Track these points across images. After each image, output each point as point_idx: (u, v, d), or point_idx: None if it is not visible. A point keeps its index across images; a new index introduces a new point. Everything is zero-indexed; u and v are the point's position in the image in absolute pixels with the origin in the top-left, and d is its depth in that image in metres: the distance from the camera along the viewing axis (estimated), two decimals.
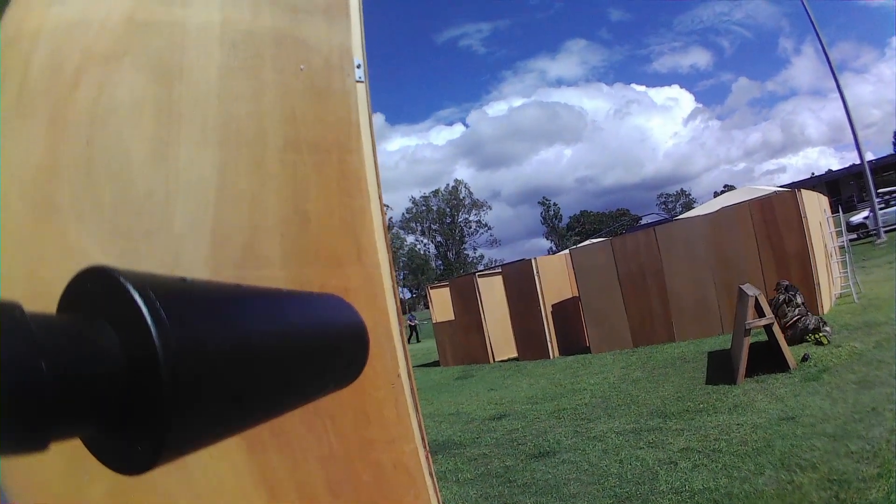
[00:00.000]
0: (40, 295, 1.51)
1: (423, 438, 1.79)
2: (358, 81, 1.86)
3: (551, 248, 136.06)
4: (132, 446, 0.55)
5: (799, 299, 14.28)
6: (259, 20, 1.78)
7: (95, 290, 0.56)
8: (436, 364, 28.21)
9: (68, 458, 1.47)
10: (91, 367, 0.52)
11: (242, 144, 1.57)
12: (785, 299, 14.16)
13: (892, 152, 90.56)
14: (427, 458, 1.82)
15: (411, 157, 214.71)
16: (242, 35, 1.72)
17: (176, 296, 0.58)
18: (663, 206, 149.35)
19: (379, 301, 1.61)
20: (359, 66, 1.88)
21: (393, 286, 1.71)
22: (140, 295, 0.54)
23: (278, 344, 0.69)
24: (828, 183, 78.71)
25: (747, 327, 11.45)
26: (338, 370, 0.82)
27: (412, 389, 1.80)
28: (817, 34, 41.70)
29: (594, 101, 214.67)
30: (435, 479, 1.89)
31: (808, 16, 41.29)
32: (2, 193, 1.69)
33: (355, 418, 1.61)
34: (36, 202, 1.69)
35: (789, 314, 13.83)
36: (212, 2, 1.79)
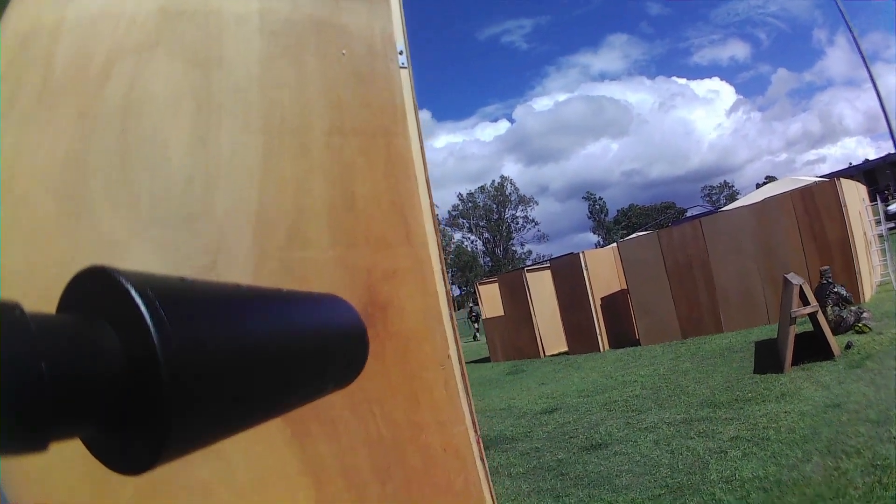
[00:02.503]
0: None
1: (473, 422, 1.77)
2: (401, 67, 1.83)
3: (598, 242, 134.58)
4: (132, 446, 0.55)
5: (841, 291, 14.20)
6: (298, 8, 1.75)
7: (95, 290, 0.56)
8: (486, 360, 28.17)
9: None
10: (91, 367, 0.53)
11: (286, 131, 1.55)
12: (827, 294, 14.06)
13: None
14: (478, 442, 1.78)
15: (458, 153, 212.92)
16: (282, 23, 1.70)
17: (176, 296, 0.58)
18: (707, 198, 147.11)
19: (428, 283, 1.59)
20: (401, 53, 1.86)
21: (442, 269, 1.69)
22: (140, 295, 0.54)
23: (278, 344, 0.69)
24: (865, 172, 76.94)
25: (792, 315, 11.35)
26: (337, 370, 0.82)
27: (462, 372, 1.78)
28: (848, 25, 41.01)
29: (637, 95, 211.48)
30: (486, 464, 1.87)
31: (839, 7, 40.63)
32: (22, 189, 1.66)
33: (405, 402, 1.57)
34: (65, 195, 1.65)
35: (830, 309, 13.75)
36: None
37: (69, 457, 1.42)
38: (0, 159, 1.66)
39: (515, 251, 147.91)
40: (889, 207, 41.58)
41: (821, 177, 37.94)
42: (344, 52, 1.72)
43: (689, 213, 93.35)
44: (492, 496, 1.79)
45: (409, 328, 1.47)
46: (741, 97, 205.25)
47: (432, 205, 1.63)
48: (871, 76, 41.10)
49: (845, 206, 17.12)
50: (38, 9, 1.80)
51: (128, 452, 0.56)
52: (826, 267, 14.92)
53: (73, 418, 0.52)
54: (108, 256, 1.59)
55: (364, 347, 0.86)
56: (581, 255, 23.43)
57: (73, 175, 1.66)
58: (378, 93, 1.74)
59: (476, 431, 1.77)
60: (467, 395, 1.74)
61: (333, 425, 1.49)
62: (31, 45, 1.77)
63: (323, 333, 0.80)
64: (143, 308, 0.53)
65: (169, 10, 1.76)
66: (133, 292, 0.54)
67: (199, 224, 1.52)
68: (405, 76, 1.81)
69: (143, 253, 1.57)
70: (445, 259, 1.66)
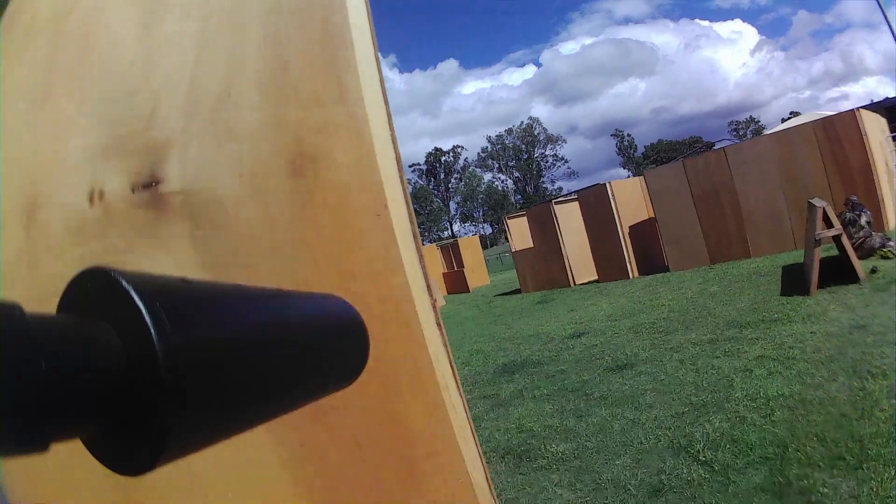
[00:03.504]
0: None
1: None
2: None
3: (628, 176, 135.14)
4: (132, 447, 0.54)
5: (864, 219, 14.11)
6: None
7: (96, 290, 0.54)
8: (517, 292, 28.41)
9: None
10: (91, 367, 0.51)
11: (224, 13, 1.51)
12: (850, 219, 14.00)
13: None
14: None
15: (486, 98, 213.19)
16: None
17: (176, 296, 0.57)
18: (735, 132, 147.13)
19: (364, 136, 1.46)
20: None
21: (389, 125, 1.52)
22: (140, 296, 0.53)
23: (278, 344, 0.68)
24: (887, 108, 76.44)
25: (817, 238, 11.30)
26: (338, 370, 0.80)
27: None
28: None
29: (662, 37, 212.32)
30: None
31: None
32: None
33: (338, 249, 1.44)
34: (38, 115, 1.67)
35: (854, 235, 13.66)
36: None
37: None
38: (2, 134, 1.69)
39: (546, 188, 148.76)
40: None
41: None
42: None
43: (717, 147, 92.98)
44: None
45: (342, 179, 1.43)
46: (764, 37, 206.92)
47: (379, 66, 1.56)
48: (886, 18, 40.73)
49: (866, 135, 17.14)
50: None
51: (128, 453, 0.54)
52: (854, 197, 14.82)
53: (74, 419, 0.51)
54: (63, 137, 1.62)
55: (364, 347, 0.84)
56: (608, 185, 23.43)
57: (40, 91, 1.68)
58: None
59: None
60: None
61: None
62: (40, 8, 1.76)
63: (323, 333, 0.79)
64: (143, 308, 0.52)
65: None
66: (133, 293, 0.53)
67: (137, 97, 1.51)
68: None
69: (89, 126, 1.57)
70: (390, 115, 1.55)
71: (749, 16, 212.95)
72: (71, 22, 1.68)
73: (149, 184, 1.45)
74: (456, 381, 1.48)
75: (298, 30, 1.50)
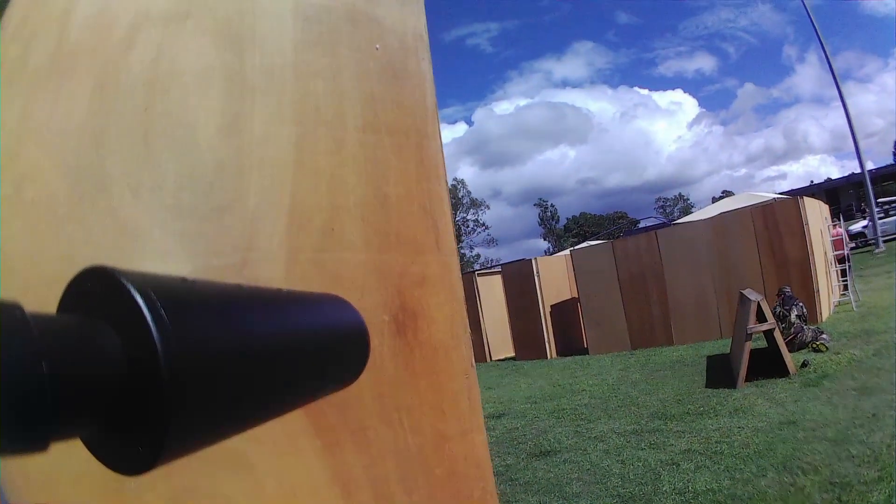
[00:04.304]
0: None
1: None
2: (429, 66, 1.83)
3: (548, 248, 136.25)
4: (132, 446, 0.55)
5: (794, 314, 14.34)
6: None
7: (96, 290, 0.56)
8: None
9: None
10: (91, 367, 0.53)
11: (321, 123, 1.53)
12: (780, 314, 14.23)
13: (893, 162, 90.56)
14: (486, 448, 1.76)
15: None
16: (316, 9, 1.66)
17: (177, 296, 0.59)
18: (661, 211, 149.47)
19: (456, 290, 1.59)
20: (427, 51, 1.84)
21: (460, 277, 1.68)
22: (141, 295, 0.54)
23: (279, 344, 0.70)
24: (827, 191, 78.77)
25: (749, 332, 11.50)
26: (338, 370, 0.83)
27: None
28: (821, 42, 41.89)
29: (599, 104, 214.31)
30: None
31: (812, 24, 41.48)
32: (27, 168, 1.63)
33: (431, 411, 1.57)
34: (79, 177, 1.58)
35: (784, 332, 13.89)
36: None
37: (69, 457, 1.36)
38: (1, 132, 1.63)
39: (465, 254, 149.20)
40: (850, 228, 42.36)
41: (780, 193, 38.73)
42: (377, 46, 1.70)
43: (641, 225, 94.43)
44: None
45: (438, 337, 1.47)
46: (704, 110, 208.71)
47: (452, 212, 1.63)
48: (840, 93, 42.01)
49: (807, 225, 17.39)
50: None
51: (128, 452, 0.56)
52: (787, 287, 15.10)
53: (74, 418, 0.53)
54: (127, 249, 1.52)
55: (365, 347, 0.87)
56: (533, 261, 23.63)
57: (88, 154, 1.58)
58: (411, 91, 1.72)
59: (486, 439, 1.75)
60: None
61: (364, 434, 1.47)
62: (46, 2, 1.71)
63: (324, 333, 0.81)
64: (144, 308, 0.54)
65: None
66: (134, 292, 0.54)
67: (230, 217, 1.47)
68: (431, 76, 1.80)
69: (165, 246, 1.49)
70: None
71: (692, 86, 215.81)
72: (132, 60, 1.60)
73: None
74: None
75: (395, 154, 1.54)
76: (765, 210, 18.58)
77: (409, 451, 1.55)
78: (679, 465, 8.14)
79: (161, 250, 1.49)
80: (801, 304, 14.65)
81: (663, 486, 7.45)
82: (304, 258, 1.43)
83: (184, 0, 1.63)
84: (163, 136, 1.53)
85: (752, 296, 12.13)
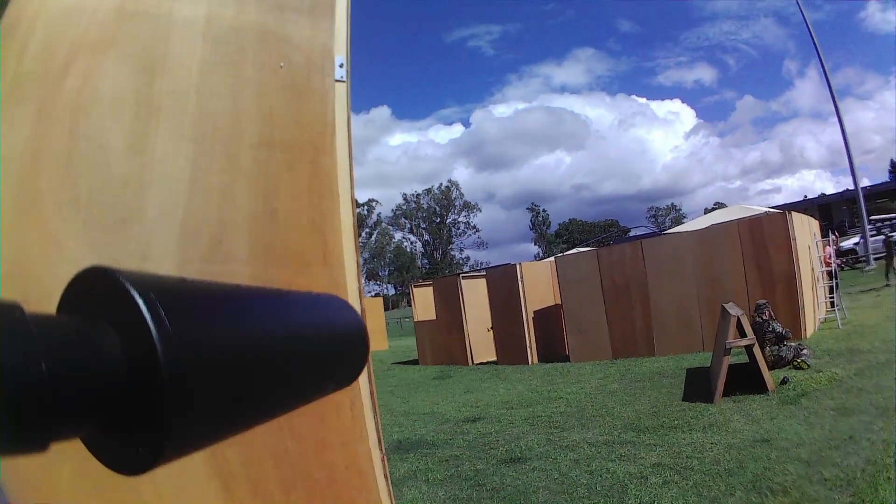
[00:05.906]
0: (40, 295, 1.54)
1: (379, 441, 1.80)
2: (338, 81, 1.86)
3: (538, 253, 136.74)
4: (132, 447, 0.55)
5: (777, 327, 14.29)
6: (244, 15, 1.79)
7: (96, 290, 0.56)
8: (415, 362, 28.36)
9: (68, 458, 1.47)
10: (91, 367, 0.53)
11: (217, 140, 1.59)
12: (757, 326, 14.14)
13: (888, 179, 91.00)
14: (383, 460, 1.82)
15: (412, 153, 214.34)
16: (226, 30, 1.73)
17: (176, 296, 0.58)
18: (653, 220, 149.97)
19: None
20: (341, 66, 1.88)
21: (359, 290, 1.73)
22: (140, 295, 0.54)
23: (278, 344, 0.70)
24: (820, 206, 79.14)
25: (728, 347, 11.51)
26: (337, 370, 0.82)
27: (371, 392, 1.82)
28: (820, 58, 41.97)
29: (597, 110, 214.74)
30: (389, 482, 1.88)
31: (812, 38, 41.57)
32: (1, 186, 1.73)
33: (311, 420, 1.64)
34: (22, 193, 1.70)
35: (766, 351, 13.84)
36: None
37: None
38: None
39: (454, 256, 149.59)
40: (841, 244, 42.42)
41: (773, 207, 38.64)
42: (282, 63, 1.76)
43: (632, 233, 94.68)
44: None
45: None
46: (702, 121, 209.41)
47: (354, 224, 1.68)
48: (837, 109, 42.11)
49: (794, 240, 17.33)
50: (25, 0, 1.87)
51: (128, 453, 0.56)
52: (763, 301, 15.00)
53: (74, 418, 0.52)
54: (52, 256, 1.64)
55: (364, 347, 0.87)
56: (518, 266, 23.58)
57: (26, 172, 1.72)
58: (311, 107, 1.78)
59: (381, 450, 1.82)
60: (375, 414, 1.81)
61: (244, 436, 1.44)
62: (13, 34, 1.81)
63: (323, 333, 0.81)
64: (143, 308, 0.54)
65: (125, 9, 1.80)
66: (134, 292, 0.54)
67: (130, 228, 1.57)
68: (341, 90, 1.84)
69: (78, 254, 1.62)
70: (362, 277, 1.75)
71: (690, 96, 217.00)
72: (66, 87, 1.74)
73: None
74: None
75: (288, 170, 1.59)
76: (752, 223, 18.55)
77: (289, 455, 1.59)
78: (647, 478, 8.14)
79: (75, 258, 1.61)
80: (775, 322, 14.55)
81: (629, 499, 7.46)
82: (193, 269, 1.51)
83: (111, 28, 1.77)
84: (82, 155, 1.68)
85: (733, 310, 12.15)
